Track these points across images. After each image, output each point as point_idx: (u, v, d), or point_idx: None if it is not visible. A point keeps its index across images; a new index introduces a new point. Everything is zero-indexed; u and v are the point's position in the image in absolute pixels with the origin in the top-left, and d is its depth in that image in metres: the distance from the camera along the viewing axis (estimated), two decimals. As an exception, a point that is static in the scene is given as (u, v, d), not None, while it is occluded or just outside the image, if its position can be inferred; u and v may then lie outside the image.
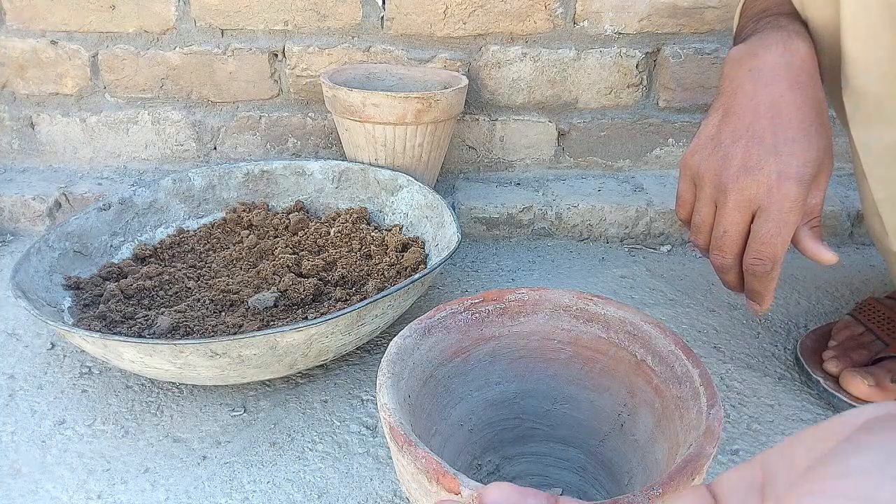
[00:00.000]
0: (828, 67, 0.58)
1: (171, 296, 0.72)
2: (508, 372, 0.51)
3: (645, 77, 1.00)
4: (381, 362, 0.43)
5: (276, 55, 0.99)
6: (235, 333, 0.64)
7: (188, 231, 0.84)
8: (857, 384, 0.62)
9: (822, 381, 0.64)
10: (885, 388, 0.61)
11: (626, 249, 0.94)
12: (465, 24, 0.97)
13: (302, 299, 0.70)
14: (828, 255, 0.51)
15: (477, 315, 0.49)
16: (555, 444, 0.52)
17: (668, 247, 0.94)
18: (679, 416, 0.43)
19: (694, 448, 0.37)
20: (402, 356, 0.44)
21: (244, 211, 0.86)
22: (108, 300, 0.69)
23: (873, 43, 0.52)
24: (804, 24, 0.58)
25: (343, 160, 0.91)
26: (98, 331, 0.64)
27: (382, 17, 0.97)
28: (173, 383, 0.67)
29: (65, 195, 0.96)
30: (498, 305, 0.49)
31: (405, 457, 0.37)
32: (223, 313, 0.69)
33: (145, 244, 0.80)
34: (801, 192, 0.49)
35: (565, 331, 0.50)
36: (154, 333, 0.64)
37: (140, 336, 0.64)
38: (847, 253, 0.93)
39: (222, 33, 0.98)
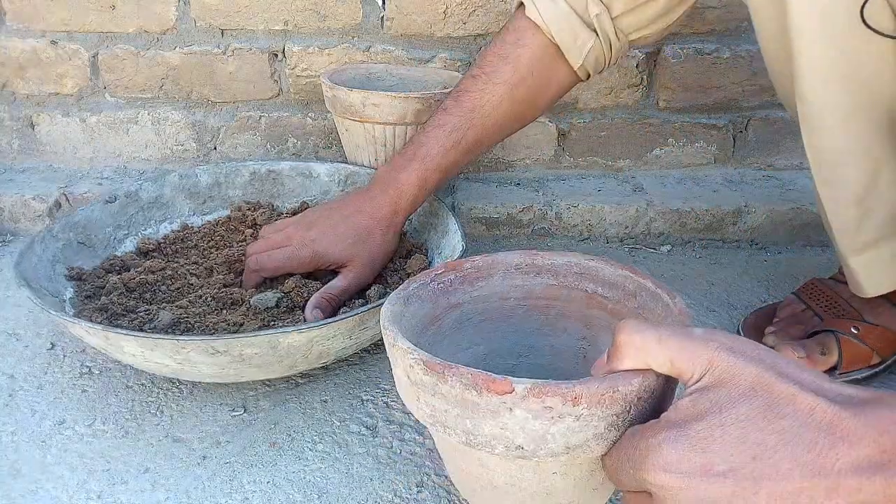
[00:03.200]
0: (781, 69, 0.60)
1: (174, 291, 0.72)
2: (475, 336, 0.53)
3: (645, 77, 1.00)
4: (383, 322, 0.45)
5: (276, 55, 0.99)
6: (236, 332, 0.64)
7: (192, 227, 0.84)
8: (789, 355, 0.65)
9: None
10: (814, 360, 0.65)
11: (627, 249, 0.94)
12: (465, 24, 0.97)
13: (305, 301, 0.70)
14: None
15: (441, 285, 0.51)
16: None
17: (669, 247, 0.94)
18: (643, 320, 0.47)
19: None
20: (396, 319, 0.46)
21: (249, 210, 0.86)
22: (111, 293, 0.69)
23: (813, 49, 0.54)
24: (460, 136, 0.69)
25: (350, 164, 0.91)
26: (100, 323, 0.64)
27: (382, 18, 0.97)
28: (173, 383, 0.67)
29: (65, 195, 0.96)
30: (458, 274, 0.52)
31: (449, 380, 0.38)
32: (224, 311, 0.69)
33: (149, 238, 0.80)
34: (284, 256, 0.70)
35: (519, 287, 0.53)
36: (155, 328, 0.64)
37: (141, 330, 0.64)
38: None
39: (222, 33, 0.98)
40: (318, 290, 0.71)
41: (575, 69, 0.70)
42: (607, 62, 0.71)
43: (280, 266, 0.70)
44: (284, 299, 0.70)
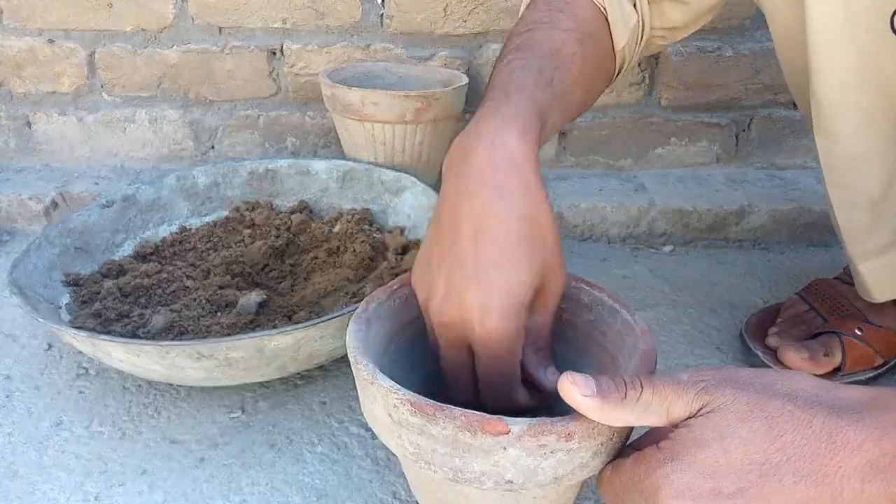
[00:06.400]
0: (796, 71, 0.59)
1: (169, 294, 0.71)
2: (429, 350, 0.52)
3: (647, 75, 0.99)
4: (353, 354, 0.43)
5: (275, 53, 0.99)
6: (228, 335, 0.63)
7: (190, 229, 0.84)
8: (792, 357, 0.65)
9: (760, 354, 0.68)
10: (817, 361, 0.65)
11: (628, 249, 0.93)
12: (465, 21, 0.96)
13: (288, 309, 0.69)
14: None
15: (399, 300, 0.50)
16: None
17: (671, 247, 0.94)
18: (601, 334, 0.49)
19: (644, 346, 0.44)
20: (364, 347, 0.45)
21: (247, 210, 0.85)
22: (105, 298, 0.69)
23: (833, 53, 0.53)
24: (550, 76, 0.50)
25: (347, 160, 0.90)
26: (92, 329, 0.64)
27: (382, 15, 0.96)
28: (170, 384, 0.66)
29: (61, 194, 0.95)
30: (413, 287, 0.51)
31: (441, 422, 0.37)
32: (219, 313, 0.68)
33: (147, 241, 0.80)
34: (507, 326, 0.42)
35: None
36: (149, 332, 0.64)
37: (134, 335, 0.64)
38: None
39: (220, 31, 0.98)
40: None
41: (616, 50, 0.58)
42: (632, 55, 0.61)
43: (508, 370, 0.45)
44: (269, 301, 0.69)
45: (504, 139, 0.44)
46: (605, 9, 0.57)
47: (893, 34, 0.50)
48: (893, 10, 0.49)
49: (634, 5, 0.59)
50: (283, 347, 0.56)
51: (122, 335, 0.63)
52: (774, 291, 0.83)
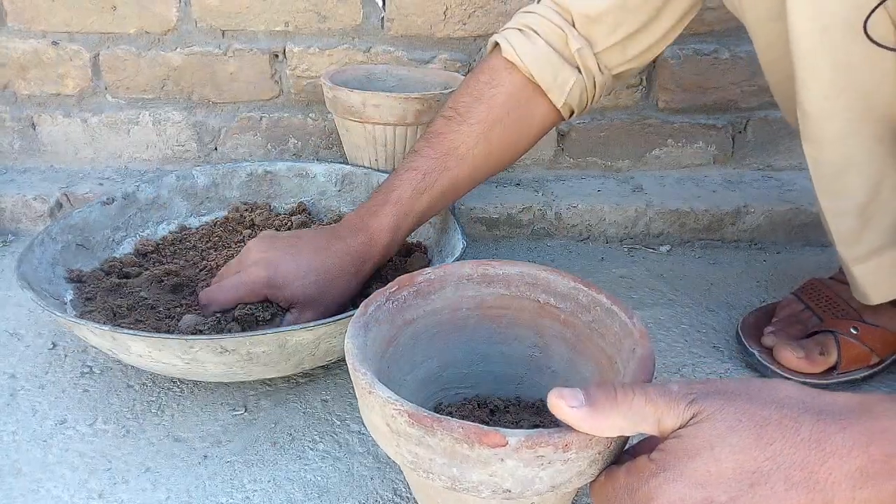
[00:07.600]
0: (781, 81, 0.60)
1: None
2: (429, 349, 0.53)
3: (644, 78, 1.00)
4: (351, 361, 0.43)
5: (277, 56, 0.99)
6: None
7: (190, 229, 0.84)
8: (788, 356, 0.65)
9: (756, 353, 0.68)
10: (813, 360, 0.65)
11: (626, 249, 0.94)
12: (465, 24, 0.97)
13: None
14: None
15: (397, 302, 0.51)
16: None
17: (668, 247, 0.94)
18: (599, 335, 0.50)
19: (641, 350, 0.45)
20: (363, 353, 0.45)
21: (246, 211, 0.86)
22: (110, 294, 0.69)
23: (814, 62, 0.54)
24: (434, 179, 0.65)
25: (346, 164, 0.91)
26: (106, 323, 0.64)
27: (383, 18, 0.97)
28: (174, 382, 0.67)
29: (66, 195, 0.96)
30: (412, 289, 0.52)
31: (438, 434, 0.38)
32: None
33: (147, 240, 0.81)
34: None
35: (470, 297, 0.53)
36: (179, 330, 0.65)
37: (156, 331, 0.64)
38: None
39: (223, 34, 0.98)
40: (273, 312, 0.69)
41: (558, 107, 0.67)
42: (591, 99, 0.69)
43: (231, 296, 0.62)
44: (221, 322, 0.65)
45: (349, 242, 0.64)
46: (535, 79, 0.66)
47: (868, 40, 0.51)
48: (866, 15, 0.50)
49: (579, 69, 0.66)
50: (304, 343, 0.57)
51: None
52: (770, 291, 0.84)
